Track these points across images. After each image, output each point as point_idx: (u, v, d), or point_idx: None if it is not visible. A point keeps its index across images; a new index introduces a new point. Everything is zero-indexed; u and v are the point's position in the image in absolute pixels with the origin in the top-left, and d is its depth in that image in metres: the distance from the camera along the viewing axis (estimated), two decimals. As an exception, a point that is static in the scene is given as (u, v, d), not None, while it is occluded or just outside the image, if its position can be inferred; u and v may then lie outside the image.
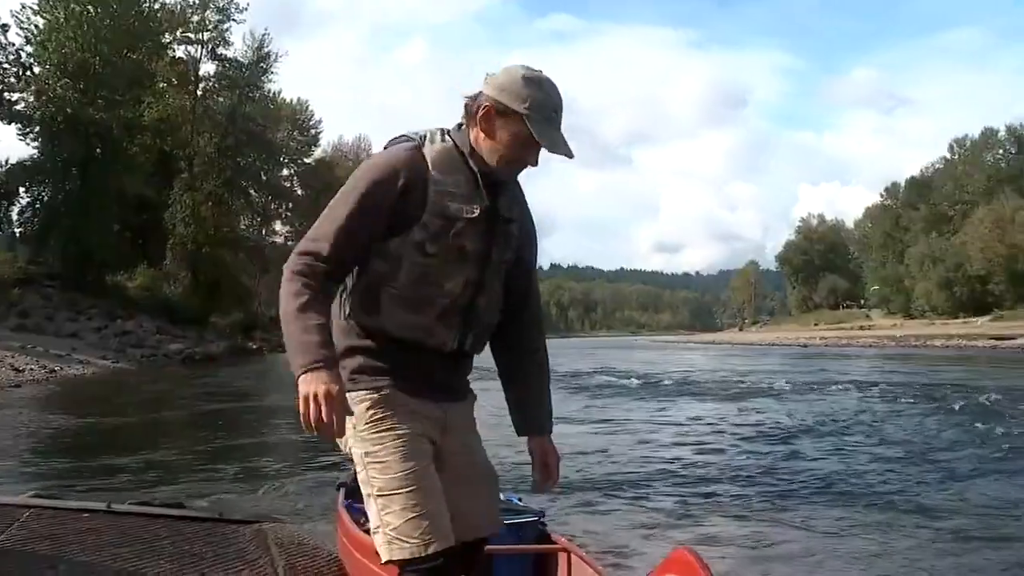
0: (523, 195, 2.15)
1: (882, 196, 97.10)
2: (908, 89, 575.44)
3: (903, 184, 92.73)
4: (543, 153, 1.97)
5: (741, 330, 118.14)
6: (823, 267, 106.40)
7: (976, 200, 76.23)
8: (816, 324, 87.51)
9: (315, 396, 1.74)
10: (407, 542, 1.88)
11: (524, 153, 1.97)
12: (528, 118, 1.91)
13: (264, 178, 58.15)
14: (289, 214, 67.10)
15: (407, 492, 1.91)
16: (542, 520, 3.22)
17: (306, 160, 67.20)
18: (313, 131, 67.46)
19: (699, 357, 40.11)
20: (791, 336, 66.47)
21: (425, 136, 2.02)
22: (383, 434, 1.95)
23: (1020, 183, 74.86)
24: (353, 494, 3.44)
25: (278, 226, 67.48)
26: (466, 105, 1.99)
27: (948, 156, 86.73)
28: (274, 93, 57.69)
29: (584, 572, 2.75)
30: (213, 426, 11.26)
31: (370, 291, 1.97)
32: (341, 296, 2.04)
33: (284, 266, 1.92)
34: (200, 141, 48.01)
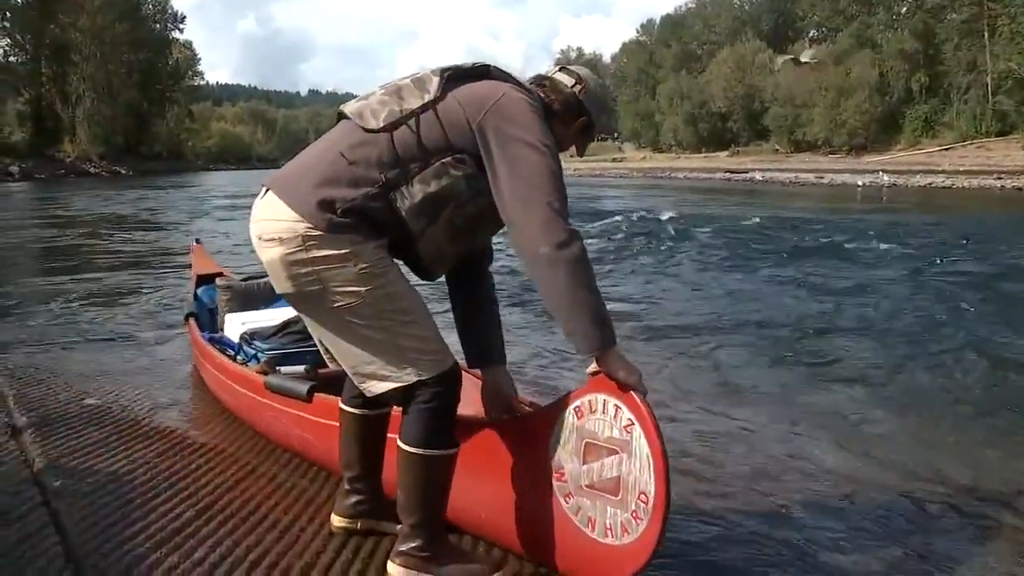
0: None
1: (638, 32, 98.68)
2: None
3: (658, 21, 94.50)
4: None
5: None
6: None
7: (722, 41, 78.96)
8: (571, 155, 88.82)
9: (634, 373, 1.85)
10: (434, 358, 2.04)
11: (583, 139, 2.27)
12: (595, 117, 2.23)
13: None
14: (7, 24, 59.71)
15: (426, 315, 2.07)
16: None
17: None
18: None
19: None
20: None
21: (534, 92, 2.13)
22: (389, 269, 2.03)
23: (760, 26, 78.25)
24: (209, 325, 3.97)
25: None
26: (544, 84, 2.21)
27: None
28: None
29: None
30: None
31: (436, 201, 1.98)
32: (386, 169, 1.98)
33: (573, 227, 1.91)
34: None
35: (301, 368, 3.05)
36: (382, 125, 2.00)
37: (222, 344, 3.82)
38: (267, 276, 2.19)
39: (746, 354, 5.18)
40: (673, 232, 12.96)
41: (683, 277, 8.68)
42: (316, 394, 2.74)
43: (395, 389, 2.05)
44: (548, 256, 1.86)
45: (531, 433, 2.10)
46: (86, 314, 6.46)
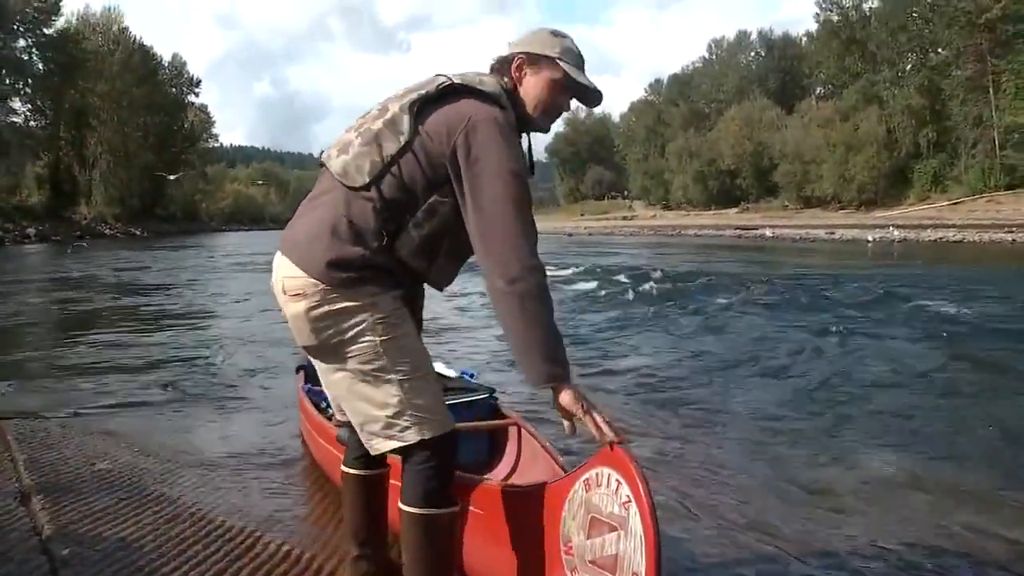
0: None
1: (646, 91, 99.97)
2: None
3: (665, 81, 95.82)
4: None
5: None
6: (590, 159, 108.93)
7: (729, 99, 79.88)
8: (582, 214, 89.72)
9: (590, 407, 1.92)
10: (436, 419, 2.06)
11: (560, 99, 2.15)
12: (561, 60, 2.10)
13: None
14: (29, 91, 61.16)
15: (430, 375, 2.11)
16: (494, 396, 3.50)
17: (46, 31, 60.38)
18: None
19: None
20: (557, 226, 67.47)
21: (500, 96, 2.09)
22: (403, 322, 2.07)
23: (767, 84, 79.20)
24: (313, 378, 3.53)
25: (17, 104, 61.32)
26: (496, 68, 2.17)
27: (707, 56, 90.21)
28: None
29: (533, 445, 3.07)
30: None
31: (433, 239, 2.05)
32: (384, 223, 2.03)
33: (529, 263, 1.94)
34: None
35: None
36: (368, 180, 2.05)
37: (317, 396, 3.80)
38: None
39: (756, 418, 5.13)
40: (679, 289, 12.97)
41: (689, 333, 8.65)
42: None
43: (398, 448, 2.08)
44: (501, 290, 1.93)
45: (546, 503, 2.10)
46: (97, 379, 6.46)
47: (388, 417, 2.05)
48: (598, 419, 1.91)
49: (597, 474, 1.92)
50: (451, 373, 3.82)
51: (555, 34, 2.16)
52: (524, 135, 2.17)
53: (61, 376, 6.56)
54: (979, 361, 6.65)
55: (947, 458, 4.17)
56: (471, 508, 2.34)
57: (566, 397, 1.92)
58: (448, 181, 2.03)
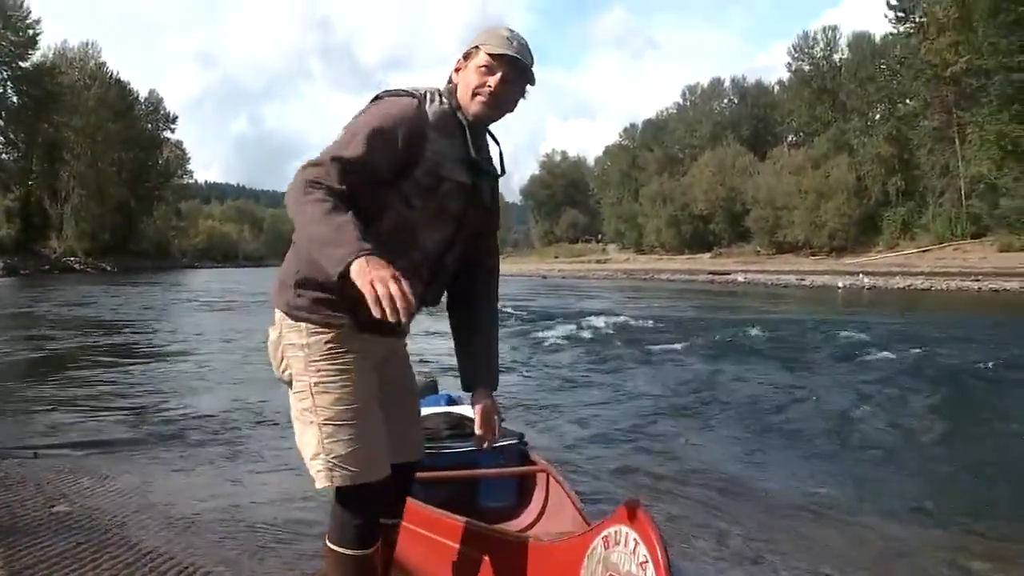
0: (497, 168, 2.29)
1: (621, 136, 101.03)
2: (659, 33, 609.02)
3: (640, 126, 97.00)
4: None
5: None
6: (565, 202, 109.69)
7: (703, 145, 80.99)
8: (556, 257, 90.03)
9: (382, 279, 1.75)
10: (348, 470, 2.03)
11: (489, 78, 2.11)
12: (483, 45, 2.12)
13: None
14: (2, 123, 60.73)
15: (354, 424, 2.05)
16: (524, 441, 3.44)
17: (22, 64, 60.27)
18: (30, 31, 60.52)
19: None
20: (532, 268, 67.71)
21: (425, 95, 2.11)
22: (338, 367, 2.06)
23: (740, 131, 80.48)
24: None
25: None
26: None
27: (681, 102, 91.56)
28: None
29: (560, 494, 3.03)
30: None
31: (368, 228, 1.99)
32: None
33: (293, 180, 1.97)
34: None
35: None
36: None
37: None
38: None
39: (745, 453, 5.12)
40: (652, 334, 13.00)
41: (657, 377, 8.64)
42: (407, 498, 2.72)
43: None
44: (289, 209, 1.98)
45: (565, 558, 2.10)
46: (59, 417, 6.30)
47: (309, 458, 2.09)
48: (390, 284, 1.76)
49: (616, 532, 1.91)
50: None
51: (488, 28, 2.19)
52: (466, 126, 2.15)
53: (21, 414, 6.41)
54: (956, 407, 6.70)
55: (920, 499, 4.17)
56: (493, 558, 2.37)
57: (357, 269, 1.80)
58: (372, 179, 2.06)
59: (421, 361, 7.82)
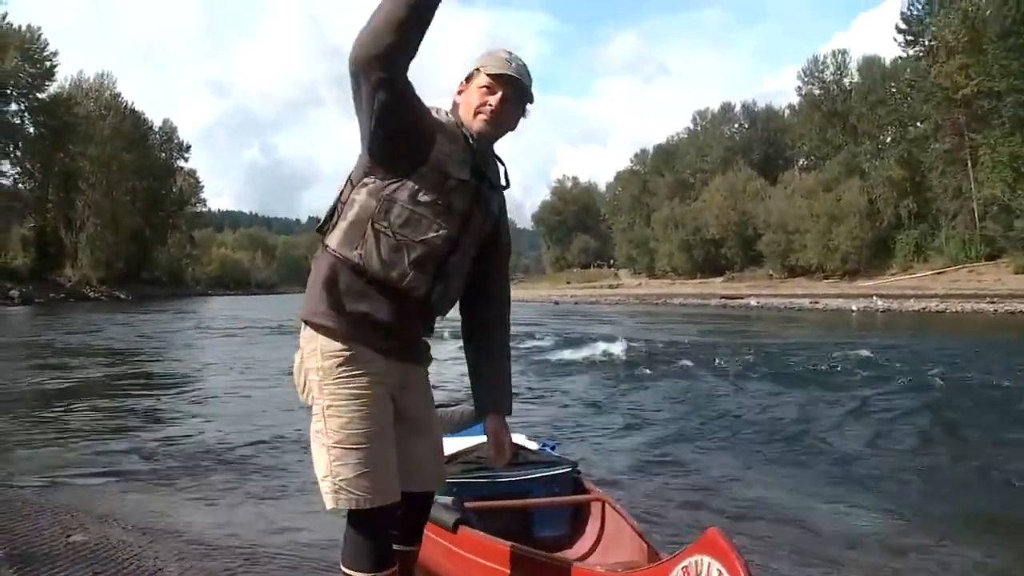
0: (504, 190, 2.36)
1: (631, 161, 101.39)
2: (669, 59, 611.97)
3: (651, 151, 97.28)
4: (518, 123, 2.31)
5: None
6: (576, 227, 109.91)
7: (714, 169, 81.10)
8: (568, 282, 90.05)
9: None
10: (354, 494, 2.06)
11: (489, 98, 2.20)
12: (484, 67, 2.21)
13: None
14: (19, 153, 61.18)
15: (363, 449, 2.08)
16: (577, 470, 3.36)
17: (39, 95, 61.22)
18: (47, 63, 61.48)
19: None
20: (544, 294, 67.71)
21: (434, 108, 2.21)
22: (350, 390, 2.10)
23: (751, 155, 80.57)
24: None
25: (6, 167, 62.42)
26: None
27: (691, 127, 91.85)
28: (-2, 17, 52.40)
29: (618, 522, 2.96)
30: None
31: (358, 225, 2.12)
32: (326, 230, 2.19)
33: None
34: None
35: (450, 499, 2.94)
36: (323, 219, 2.25)
37: None
38: (455, 405, 2.71)
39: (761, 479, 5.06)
40: (669, 359, 12.93)
41: (676, 400, 8.58)
42: (462, 526, 2.69)
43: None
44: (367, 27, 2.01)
45: None
46: (76, 447, 6.30)
47: (320, 479, 2.12)
48: None
49: (697, 562, 1.84)
50: (532, 445, 3.65)
51: (489, 51, 2.28)
52: (472, 142, 2.21)
53: (38, 443, 6.41)
54: (970, 431, 6.62)
55: (934, 517, 4.11)
56: None
57: None
58: (369, 173, 2.15)
59: (457, 389, 7.79)
